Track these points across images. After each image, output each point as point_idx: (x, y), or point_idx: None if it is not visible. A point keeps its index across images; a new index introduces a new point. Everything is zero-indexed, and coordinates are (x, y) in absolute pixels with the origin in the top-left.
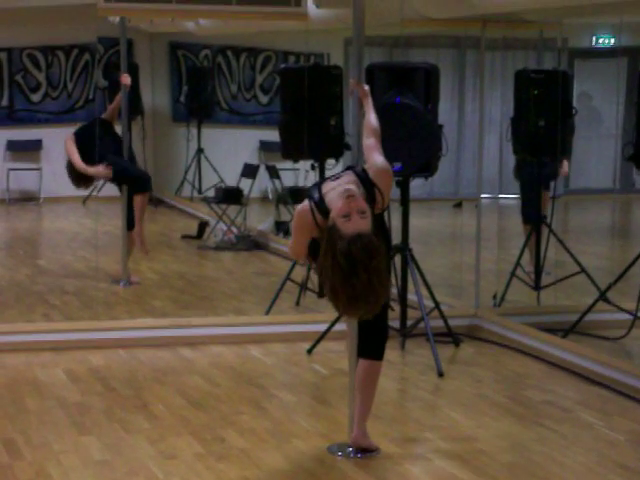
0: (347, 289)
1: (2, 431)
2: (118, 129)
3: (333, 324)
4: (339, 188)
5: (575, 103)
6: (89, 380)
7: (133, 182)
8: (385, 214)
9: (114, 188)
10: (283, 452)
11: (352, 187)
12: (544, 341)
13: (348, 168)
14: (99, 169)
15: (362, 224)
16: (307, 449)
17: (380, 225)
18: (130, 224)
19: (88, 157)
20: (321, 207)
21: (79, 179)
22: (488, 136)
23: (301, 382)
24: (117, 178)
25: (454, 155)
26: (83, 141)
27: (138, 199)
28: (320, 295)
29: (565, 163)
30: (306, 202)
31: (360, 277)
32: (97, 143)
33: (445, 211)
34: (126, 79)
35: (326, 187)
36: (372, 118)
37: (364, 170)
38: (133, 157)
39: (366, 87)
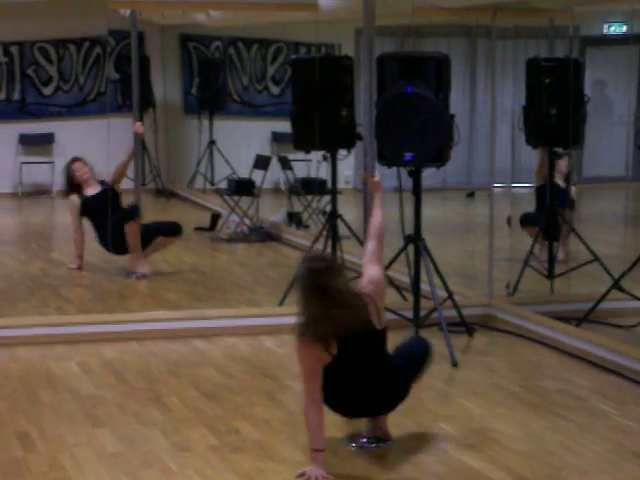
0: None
1: (16, 424)
2: None
3: None
4: None
5: (588, 91)
6: (103, 373)
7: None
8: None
9: (127, 182)
10: (297, 443)
11: None
12: (558, 330)
13: None
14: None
15: None
16: None
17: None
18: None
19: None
20: None
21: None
22: (500, 125)
23: None
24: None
25: (466, 144)
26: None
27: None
28: None
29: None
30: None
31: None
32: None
33: (458, 201)
34: (139, 128)
35: None
36: (378, 218)
37: None
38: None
39: (377, 178)
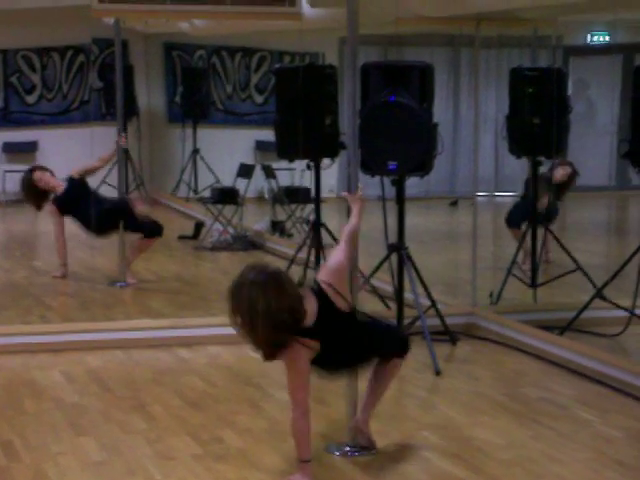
0: None
1: None
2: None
3: None
4: None
5: (572, 100)
6: (86, 381)
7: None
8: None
9: (110, 190)
10: (281, 452)
11: None
12: (541, 339)
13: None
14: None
15: None
16: None
17: (351, 326)
18: (145, 230)
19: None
20: None
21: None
22: (483, 134)
23: None
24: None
25: (450, 153)
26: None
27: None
28: None
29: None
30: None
31: None
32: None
33: (441, 209)
34: (123, 140)
35: None
36: (353, 223)
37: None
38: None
39: (359, 194)
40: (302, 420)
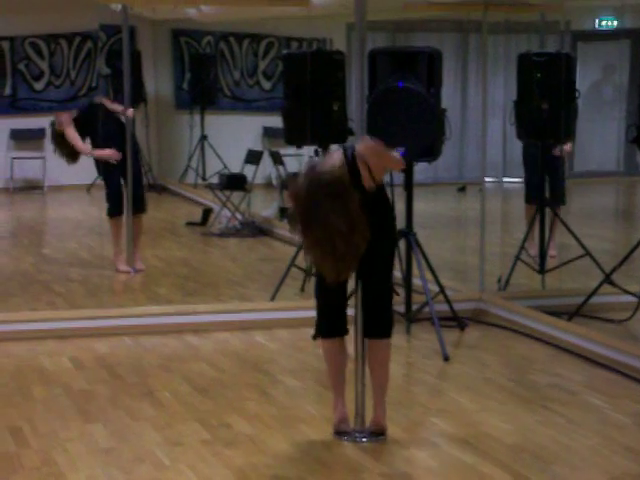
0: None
1: (8, 419)
2: None
3: None
4: None
5: (579, 86)
6: (95, 368)
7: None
8: (389, 194)
9: None
10: (289, 438)
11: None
12: (549, 324)
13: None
14: (107, 152)
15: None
16: (313, 434)
17: (379, 201)
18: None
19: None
20: None
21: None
22: (491, 120)
23: (306, 367)
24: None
25: (458, 139)
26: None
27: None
28: None
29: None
30: None
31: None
32: (100, 128)
33: (449, 195)
34: (130, 112)
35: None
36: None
37: (352, 152)
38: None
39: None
40: None
